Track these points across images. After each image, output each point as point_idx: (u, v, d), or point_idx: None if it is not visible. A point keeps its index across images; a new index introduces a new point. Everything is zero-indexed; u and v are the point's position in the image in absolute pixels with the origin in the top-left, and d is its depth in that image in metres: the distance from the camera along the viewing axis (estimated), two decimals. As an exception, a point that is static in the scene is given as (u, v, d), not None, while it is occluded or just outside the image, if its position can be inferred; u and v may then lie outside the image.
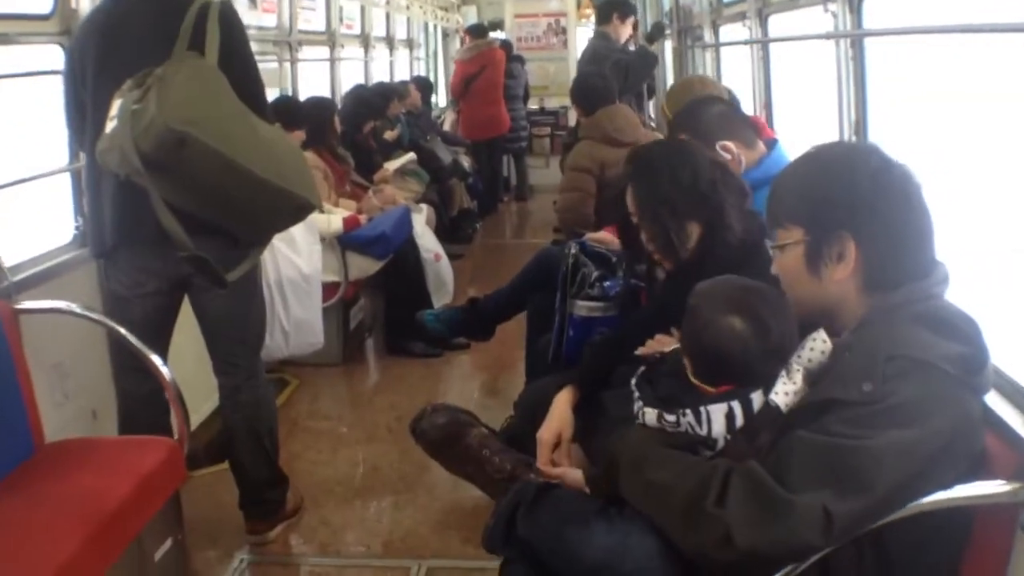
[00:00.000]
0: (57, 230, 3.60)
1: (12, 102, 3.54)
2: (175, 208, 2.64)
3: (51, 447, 2.81)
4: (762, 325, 1.77)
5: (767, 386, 1.75)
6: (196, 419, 3.86)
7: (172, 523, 2.89)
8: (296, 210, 2.88)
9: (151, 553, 2.76)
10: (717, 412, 1.77)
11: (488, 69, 9.37)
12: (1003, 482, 1.61)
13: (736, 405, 1.76)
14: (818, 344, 1.75)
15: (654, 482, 1.72)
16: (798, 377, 1.73)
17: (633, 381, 1.97)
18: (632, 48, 7.00)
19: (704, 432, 1.77)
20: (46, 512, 2.37)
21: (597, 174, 4.83)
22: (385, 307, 5.51)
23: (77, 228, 3.59)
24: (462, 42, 10.90)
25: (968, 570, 1.70)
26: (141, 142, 2.53)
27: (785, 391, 1.73)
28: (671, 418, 1.80)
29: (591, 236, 3.54)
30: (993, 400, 1.79)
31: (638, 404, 1.90)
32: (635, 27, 7.16)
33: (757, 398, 1.76)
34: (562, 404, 2.52)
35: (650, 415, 1.85)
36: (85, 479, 2.56)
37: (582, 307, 3.13)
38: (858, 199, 1.70)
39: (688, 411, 1.79)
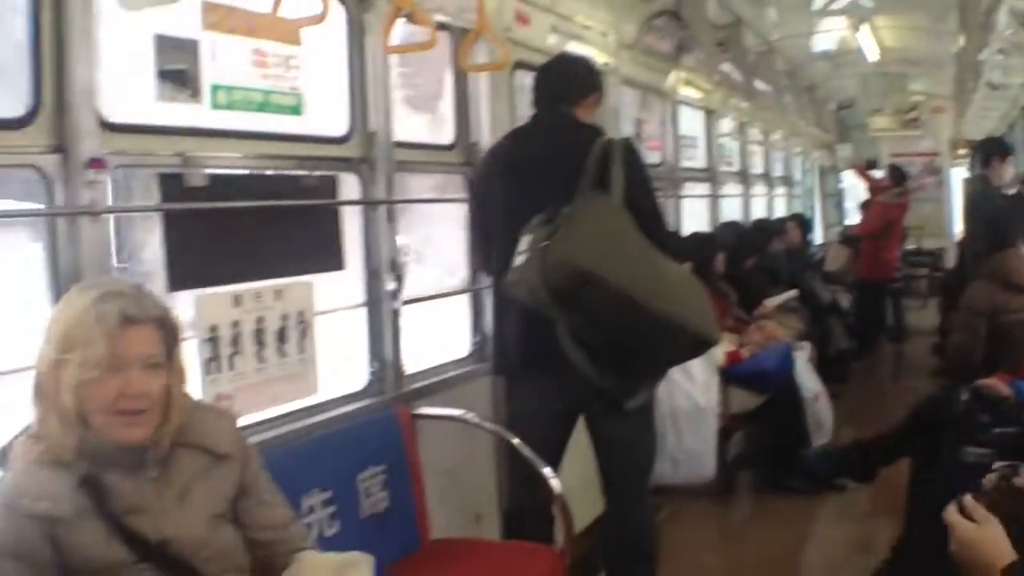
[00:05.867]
0: (453, 343, 3.84)
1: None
2: (580, 340, 2.81)
3: (435, 543, 3.03)
4: None
5: None
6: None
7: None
8: (696, 346, 2.98)
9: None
10: None
11: (903, 215, 9.49)
12: None
13: None
14: None
15: None
16: None
17: None
18: (1012, 191, 6.65)
19: None
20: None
21: (990, 318, 4.63)
22: (763, 441, 5.46)
23: (474, 344, 3.85)
24: (867, 178, 10.75)
25: None
26: (550, 278, 2.73)
27: None
28: None
29: (983, 382, 3.43)
30: None
31: None
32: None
33: None
34: None
35: None
36: (467, 576, 2.71)
37: (971, 454, 3.04)
38: None
39: None
